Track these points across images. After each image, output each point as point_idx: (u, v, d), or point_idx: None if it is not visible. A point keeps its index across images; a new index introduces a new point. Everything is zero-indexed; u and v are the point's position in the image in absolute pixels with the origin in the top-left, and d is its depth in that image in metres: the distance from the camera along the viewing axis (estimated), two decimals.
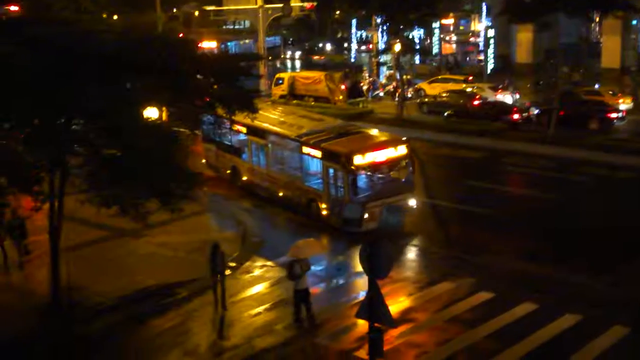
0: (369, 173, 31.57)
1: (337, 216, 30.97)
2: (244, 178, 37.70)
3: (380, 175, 31.90)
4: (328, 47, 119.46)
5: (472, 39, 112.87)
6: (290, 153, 34.35)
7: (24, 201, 23.05)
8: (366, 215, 30.16)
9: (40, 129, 21.99)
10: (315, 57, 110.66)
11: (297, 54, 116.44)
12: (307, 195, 32.91)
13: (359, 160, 30.06)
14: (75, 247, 27.48)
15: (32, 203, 22.36)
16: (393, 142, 31.85)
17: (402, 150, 31.48)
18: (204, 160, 41.06)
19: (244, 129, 36.66)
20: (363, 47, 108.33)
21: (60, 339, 22.78)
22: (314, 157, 32.32)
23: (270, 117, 36.11)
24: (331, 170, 31.05)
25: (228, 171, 39.16)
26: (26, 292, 25.57)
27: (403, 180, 32.19)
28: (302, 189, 33.23)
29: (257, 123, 33.92)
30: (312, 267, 24.13)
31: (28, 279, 26.45)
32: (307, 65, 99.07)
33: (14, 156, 21.40)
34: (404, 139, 32.79)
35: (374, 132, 34.45)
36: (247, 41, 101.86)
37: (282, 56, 74.92)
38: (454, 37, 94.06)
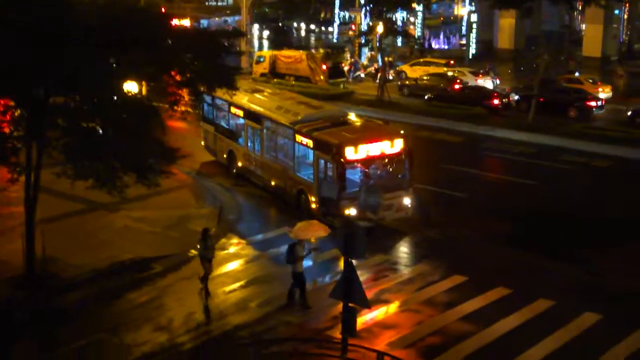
0: (360, 167, 29.38)
1: (324, 211, 28.95)
2: (239, 164, 36.16)
3: (373, 170, 29.71)
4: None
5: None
6: (283, 140, 32.56)
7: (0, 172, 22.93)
8: (355, 212, 27.62)
9: (19, 99, 21.90)
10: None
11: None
12: (297, 186, 31.12)
13: (350, 152, 28.23)
14: (51, 219, 27.43)
15: (9, 175, 22.26)
16: (389, 136, 29.66)
17: (399, 144, 29.39)
18: (202, 143, 40.18)
19: (240, 112, 35.53)
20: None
21: (34, 310, 22.71)
22: (306, 146, 30.47)
23: (267, 101, 34.93)
24: (322, 162, 29.19)
25: (225, 155, 37.62)
26: (0, 263, 25.40)
27: (398, 176, 29.99)
28: (294, 179, 31.42)
29: (253, 106, 33.83)
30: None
31: (2, 251, 26.28)
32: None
33: None
34: (402, 132, 30.63)
35: (374, 122, 33.16)
36: (217, 19, 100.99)
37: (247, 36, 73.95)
38: (419, 22, 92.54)
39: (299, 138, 30.72)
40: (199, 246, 24.17)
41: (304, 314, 22.74)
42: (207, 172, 37.87)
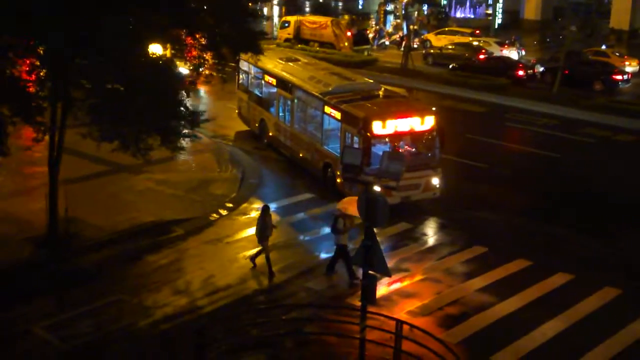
0: (387, 143, 28.08)
1: (350, 186, 27.37)
2: (270, 134, 35.28)
3: (400, 147, 28.66)
4: None
5: None
6: (313, 111, 31.52)
7: (25, 132, 23.01)
8: (378, 189, 27.46)
9: (45, 59, 21.93)
10: None
11: None
12: (324, 159, 30.09)
13: (377, 127, 27.12)
14: (74, 180, 27.53)
15: (33, 134, 22.36)
16: (420, 112, 28.28)
17: (429, 121, 28.05)
18: (237, 111, 39.59)
19: (274, 81, 34.54)
20: None
21: (55, 269, 22.91)
22: (334, 118, 29.37)
23: (300, 71, 33.98)
24: (348, 135, 28.22)
25: (257, 124, 36.87)
26: (23, 222, 25.60)
27: (427, 155, 28.94)
28: (321, 152, 30.40)
29: (286, 75, 33.23)
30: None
31: (26, 210, 26.47)
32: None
33: (17, 85, 21.33)
34: (434, 109, 29.01)
35: (407, 98, 31.98)
36: None
37: None
38: None
39: (327, 109, 29.76)
40: (257, 224, 23.38)
41: (323, 282, 22.81)
42: (231, 138, 37.80)
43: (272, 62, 35.33)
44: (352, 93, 30.10)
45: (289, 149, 33.39)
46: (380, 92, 30.95)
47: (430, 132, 28.40)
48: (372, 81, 33.51)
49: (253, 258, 23.50)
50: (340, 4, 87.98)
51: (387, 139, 27.94)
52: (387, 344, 18.07)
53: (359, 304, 17.42)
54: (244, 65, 37.13)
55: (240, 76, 38.47)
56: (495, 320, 20.69)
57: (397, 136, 28.06)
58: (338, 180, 28.83)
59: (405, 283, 22.82)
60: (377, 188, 25.82)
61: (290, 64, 35.39)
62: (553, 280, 23.11)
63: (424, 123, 28.02)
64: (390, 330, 18.03)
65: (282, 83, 33.63)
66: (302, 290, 22.29)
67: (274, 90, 34.74)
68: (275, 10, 74.50)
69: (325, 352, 19.06)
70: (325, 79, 31.98)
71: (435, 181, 28.49)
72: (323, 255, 24.40)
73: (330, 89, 30.52)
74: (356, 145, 27.22)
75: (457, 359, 16.83)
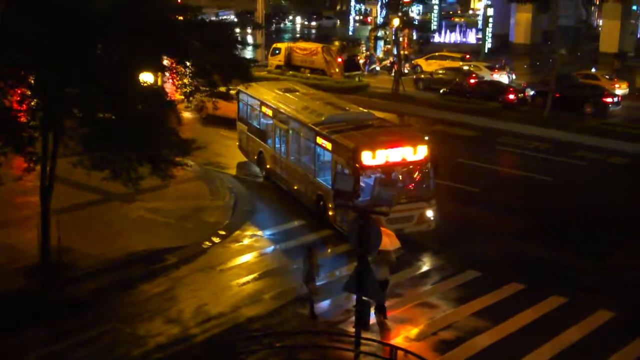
0: (378, 174, 27.39)
1: (342, 219, 27.27)
2: (268, 166, 34.53)
3: (391, 178, 27.82)
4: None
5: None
6: (306, 142, 30.66)
7: (16, 161, 23.00)
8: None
9: (35, 89, 21.97)
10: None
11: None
12: (317, 192, 29.39)
13: (367, 157, 26.41)
14: (66, 209, 27.49)
15: (25, 164, 22.34)
16: (412, 141, 27.58)
17: (422, 151, 27.32)
18: (237, 143, 38.81)
19: (270, 112, 33.88)
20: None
21: (48, 299, 22.82)
22: (325, 149, 28.64)
23: (296, 101, 33.37)
24: (339, 166, 27.36)
25: (255, 157, 36.09)
26: (16, 252, 25.53)
27: (421, 186, 28.21)
28: (314, 184, 29.64)
29: (281, 106, 32.83)
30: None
31: (18, 240, 26.41)
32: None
33: (8, 116, 21.34)
34: (426, 138, 28.22)
35: (401, 127, 31.40)
36: (218, 12, 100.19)
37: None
38: (434, 15, 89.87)
39: (319, 140, 29.04)
40: (303, 265, 22.44)
41: (317, 307, 22.76)
42: (224, 165, 37.80)
43: (270, 93, 35.05)
44: (345, 123, 29.52)
45: (285, 181, 32.74)
46: (374, 122, 30.50)
47: (423, 162, 27.65)
48: (366, 111, 33.08)
49: (310, 307, 22.41)
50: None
51: (377, 170, 27.23)
52: None
53: (353, 330, 17.40)
54: (243, 96, 36.75)
55: (240, 107, 37.89)
56: (490, 345, 20.64)
57: (388, 167, 27.31)
58: (330, 213, 28.21)
59: (399, 308, 22.78)
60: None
61: (288, 94, 34.84)
62: (546, 303, 23.09)
63: (416, 153, 27.32)
64: (384, 357, 18.03)
65: (277, 114, 33.07)
66: (296, 317, 22.23)
67: (271, 121, 34.02)
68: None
69: None
70: (319, 109, 31.41)
71: (430, 214, 27.85)
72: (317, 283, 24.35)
73: (322, 119, 29.98)
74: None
75: None
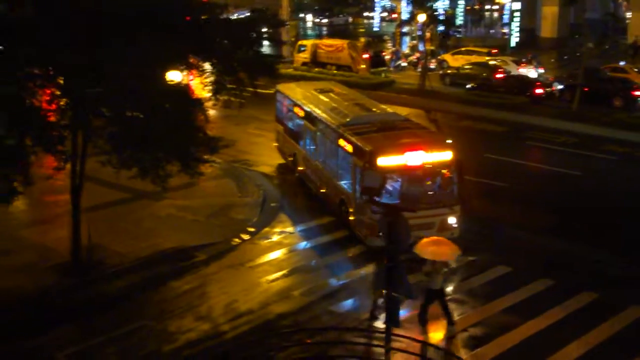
0: (396, 178, 26.10)
1: (360, 225, 26.54)
2: (300, 168, 33.76)
3: (412, 183, 26.25)
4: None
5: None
6: (330, 144, 29.53)
7: (46, 160, 23.17)
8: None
9: (64, 88, 22.11)
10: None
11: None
12: (339, 196, 28.49)
13: (384, 161, 25.38)
14: (96, 207, 27.74)
15: (55, 163, 22.50)
16: (434, 145, 26.40)
17: (445, 156, 26.18)
18: (275, 143, 38.21)
19: (301, 112, 33.01)
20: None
21: (79, 297, 22.97)
22: (346, 151, 27.64)
23: (326, 102, 32.35)
24: (358, 170, 26.40)
25: (290, 158, 35.40)
26: (47, 250, 25.75)
27: (443, 191, 26.77)
28: (336, 188, 28.82)
29: (312, 107, 32.14)
30: None
31: (49, 238, 26.63)
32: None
33: (38, 115, 21.48)
34: (449, 141, 26.79)
35: (426, 130, 29.25)
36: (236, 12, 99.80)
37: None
38: (460, 10, 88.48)
39: (342, 142, 28.09)
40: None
41: (347, 304, 22.78)
42: (252, 162, 37.93)
43: (304, 93, 34.46)
44: (369, 125, 28.42)
45: (314, 184, 31.98)
46: (400, 124, 29.15)
47: (446, 167, 26.41)
48: (396, 113, 31.81)
49: (372, 309, 21.81)
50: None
51: (395, 174, 25.96)
52: None
53: (383, 326, 17.38)
54: (279, 96, 36.33)
55: (277, 107, 37.42)
56: (520, 341, 20.54)
57: (407, 171, 25.90)
58: (351, 218, 27.30)
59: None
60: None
61: (321, 95, 33.84)
62: (577, 299, 22.96)
63: (438, 157, 26.16)
64: (415, 353, 18.01)
65: (308, 115, 32.25)
66: (326, 313, 22.25)
67: (303, 122, 33.21)
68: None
69: None
70: (346, 110, 30.45)
71: (452, 220, 26.51)
72: (345, 279, 24.34)
73: (347, 120, 29.11)
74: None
75: None
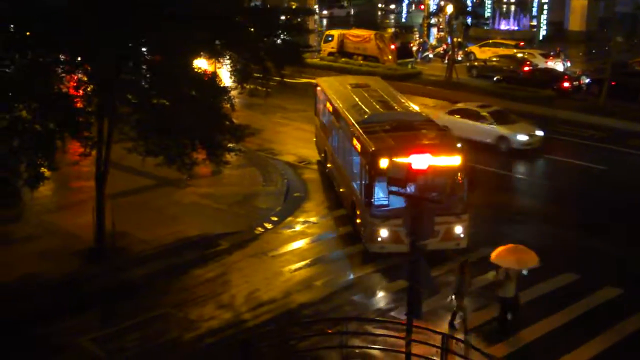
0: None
1: (362, 227, 25.74)
2: (328, 165, 32.75)
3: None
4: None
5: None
6: (348, 142, 28.07)
7: (72, 146, 23.30)
8: (386, 234, 24.52)
9: (91, 74, 22.22)
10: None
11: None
12: (352, 196, 27.46)
13: (385, 163, 23.80)
14: (120, 194, 27.84)
15: (81, 149, 22.62)
16: (442, 149, 24.93)
17: (454, 161, 24.81)
18: (314, 138, 37.05)
19: (331, 108, 31.65)
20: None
21: (102, 283, 23.10)
22: (357, 150, 26.63)
23: (353, 97, 30.76)
24: (363, 171, 25.48)
25: (323, 154, 34.37)
26: (71, 236, 25.91)
27: (450, 198, 24.81)
28: (350, 188, 27.82)
29: (338, 102, 30.79)
30: None
31: (73, 224, 26.78)
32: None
33: (65, 101, 21.60)
34: (459, 145, 25.46)
35: (440, 132, 27.30)
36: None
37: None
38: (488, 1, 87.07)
39: (354, 141, 26.98)
40: (456, 279, 21.02)
41: (369, 295, 22.76)
42: (277, 151, 37.94)
43: (338, 87, 33.12)
44: (385, 123, 26.94)
45: (336, 183, 30.98)
46: (419, 124, 27.43)
47: (454, 172, 24.96)
48: (418, 112, 30.26)
49: (451, 322, 21.07)
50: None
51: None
52: (433, 358, 18.04)
53: (404, 317, 17.35)
54: (317, 90, 35.56)
55: (315, 101, 36.46)
56: (542, 335, 20.48)
57: (412, 175, 23.39)
58: (358, 221, 26.31)
59: (450, 297, 22.67)
60: (384, 232, 24.49)
61: (354, 90, 32.19)
62: (600, 294, 22.83)
63: (447, 162, 24.67)
64: (436, 345, 17.98)
65: (335, 110, 30.94)
66: (347, 303, 22.27)
67: (331, 117, 31.93)
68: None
69: None
70: (368, 107, 28.97)
71: (459, 230, 25.12)
72: (368, 271, 24.30)
73: (364, 117, 27.77)
74: (364, 182, 24.98)
75: None
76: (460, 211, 25.13)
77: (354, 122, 27.54)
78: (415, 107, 30.56)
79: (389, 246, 24.61)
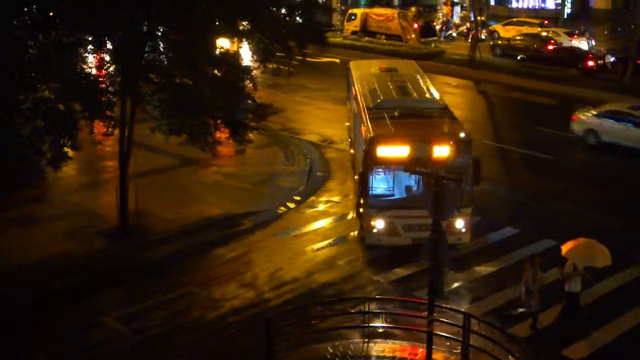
0: (396, 171, 23.23)
1: (361, 225, 24.91)
2: (351, 150, 31.52)
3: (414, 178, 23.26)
4: None
5: None
6: (361, 127, 26.57)
7: (95, 126, 23.40)
8: (382, 225, 23.51)
9: (115, 55, 22.29)
10: None
11: None
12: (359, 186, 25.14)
13: (383, 151, 22.95)
14: (143, 173, 27.97)
15: (103, 128, 22.72)
16: (445, 138, 23.40)
17: (457, 151, 23.16)
18: (347, 122, 35.46)
19: (353, 91, 30.56)
20: None
21: (126, 261, 23.26)
22: (362, 136, 25.63)
23: (373, 81, 29.08)
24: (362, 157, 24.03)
25: (349, 139, 33.05)
26: (95, 215, 26.08)
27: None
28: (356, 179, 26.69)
29: (359, 86, 29.43)
30: None
31: (97, 203, 26.95)
32: None
33: (89, 80, 21.68)
34: (463, 135, 23.95)
35: (448, 121, 25.55)
36: None
37: None
38: None
39: (362, 126, 26.06)
40: (527, 276, 19.88)
41: (391, 275, 22.78)
42: (300, 130, 37.94)
43: (366, 71, 31.47)
44: (395, 110, 25.61)
45: (354, 169, 29.38)
46: (431, 112, 25.97)
47: (460, 162, 23.09)
48: (435, 99, 27.73)
49: (533, 325, 20.04)
50: None
51: (396, 165, 22.78)
52: (455, 337, 18.08)
53: (427, 297, 17.37)
54: (348, 73, 33.48)
55: (348, 85, 34.55)
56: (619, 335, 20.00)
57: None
58: (360, 210, 24.61)
59: (473, 277, 22.68)
60: (380, 222, 23.53)
61: (381, 74, 30.70)
62: (625, 274, 22.72)
63: (451, 152, 23.13)
64: (458, 324, 18.00)
65: (355, 95, 29.71)
66: (370, 283, 22.30)
67: (354, 102, 30.49)
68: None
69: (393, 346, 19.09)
70: (383, 92, 27.38)
71: (460, 224, 23.57)
72: (390, 250, 24.28)
73: (378, 102, 26.35)
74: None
75: (525, 354, 16.70)
76: (463, 205, 23.13)
77: (364, 107, 26.52)
78: (435, 95, 28.69)
79: (385, 238, 23.73)
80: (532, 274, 19.71)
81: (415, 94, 27.93)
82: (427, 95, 28.26)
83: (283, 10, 25.81)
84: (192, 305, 20.98)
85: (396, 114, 25.34)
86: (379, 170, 23.32)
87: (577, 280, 19.59)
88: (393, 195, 23.59)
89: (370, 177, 23.23)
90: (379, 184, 23.63)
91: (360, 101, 27.61)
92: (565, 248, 19.85)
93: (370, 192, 23.33)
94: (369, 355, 18.80)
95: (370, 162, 23.12)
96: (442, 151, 23.04)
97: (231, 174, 30.48)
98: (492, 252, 24.35)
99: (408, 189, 23.47)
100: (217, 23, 23.25)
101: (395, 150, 22.95)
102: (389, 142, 23.13)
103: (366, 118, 25.34)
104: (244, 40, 25.13)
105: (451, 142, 23.27)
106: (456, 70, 52.04)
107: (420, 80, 30.29)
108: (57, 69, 20.77)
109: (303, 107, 41.63)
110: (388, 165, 23.21)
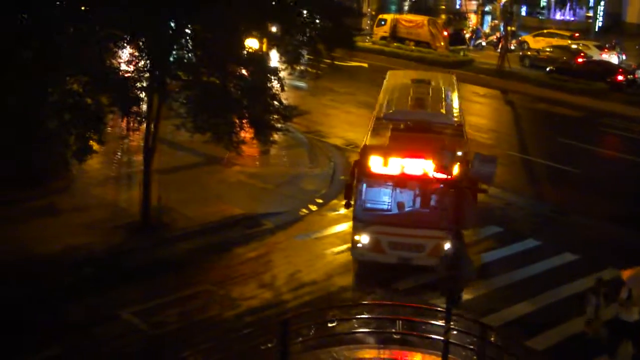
0: (389, 186, 22.38)
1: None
2: None
3: (405, 195, 22.37)
4: None
5: None
6: None
7: (122, 121, 23.54)
8: (367, 241, 22.49)
9: (143, 51, 22.43)
10: None
11: None
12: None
13: (376, 164, 22.10)
14: (167, 170, 28.04)
15: (130, 123, 22.85)
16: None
17: (454, 169, 20.31)
18: None
19: (378, 99, 28.83)
20: None
21: (146, 257, 23.36)
22: None
23: (397, 92, 28.32)
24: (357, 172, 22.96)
25: None
26: (118, 209, 26.21)
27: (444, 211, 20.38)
28: None
29: (381, 95, 28.63)
30: None
31: (120, 197, 27.09)
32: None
33: (116, 75, 21.82)
34: (461, 154, 21.24)
35: (455, 138, 23.91)
36: None
37: None
38: None
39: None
40: (591, 303, 19.07)
41: (409, 283, 22.76)
42: (325, 133, 37.90)
43: (396, 82, 30.56)
44: (403, 122, 24.64)
45: None
46: (439, 127, 24.42)
47: (451, 182, 20.30)
48: (448, 114, 26.23)
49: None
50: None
51: (387, 181, 22.28)
52: (471, 347, 18.04)
53: (444, 305, 17.35)
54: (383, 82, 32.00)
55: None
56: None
57: (402, 180, 22.12)
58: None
59: (491, 288, 22.60)
60: (365, 237, 22.22)
61: (410, 85, 29.47)
62: None
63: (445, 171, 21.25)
64: (474, 334, 17.97)
65: (376, 104, 28.10)
66: (387, 289, 22.25)
67: None
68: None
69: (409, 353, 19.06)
70: (399, 103, 26.75)
71: (448, 246, 20.93)
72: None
73: (389, 112, 25.64)
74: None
75: None
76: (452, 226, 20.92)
77: (375, 116, 25.84)
78: (454, 110, 27.08)
79: (369, 254, 22.75)
80: (598, 302, 18.95)
81: (430, 108, 26.90)
82: (443, 110, 26.84)
83: (313, 14, 25.86)
84: (209, 303, 21.03)
85: (402, 126, 24.45)
86: (369, 182, 22.44)
87: (633, 309, 18.48)
88: (383, 210, 22.61)
89: (361, 189, 22.48)
90: (369, 197, 22.65)
91: (376, 110, 26.93)
92: (626, 274, 18.87)
93: (358, 204, 22.56)
94: None
95: (359, 173, 22.51)
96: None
97: (255, 174, 30.53)
98: (513, 263, 24.27)
99: (400, 205, 22.43)
100: (246, 22, 23.34)
101: (386, 163, 22.14)
102: (380, 154, 22.24)
103: (370, 127, 24.73)
104: (273, 42, 25.24)
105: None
106: (484, 79, 51.95)
107: (447, 94, 29.06)
108: (87, 63, 20.90)
109: (329, 110, 41.64)
110: (377, 178, 22.36)
